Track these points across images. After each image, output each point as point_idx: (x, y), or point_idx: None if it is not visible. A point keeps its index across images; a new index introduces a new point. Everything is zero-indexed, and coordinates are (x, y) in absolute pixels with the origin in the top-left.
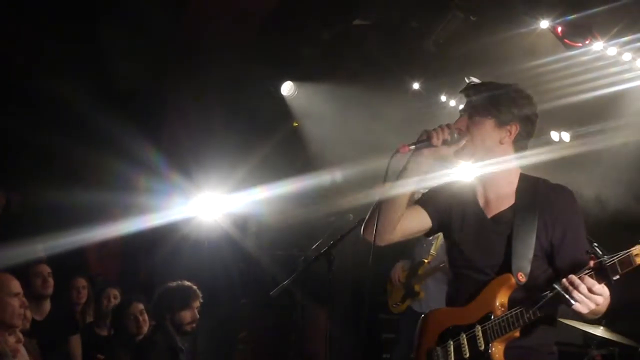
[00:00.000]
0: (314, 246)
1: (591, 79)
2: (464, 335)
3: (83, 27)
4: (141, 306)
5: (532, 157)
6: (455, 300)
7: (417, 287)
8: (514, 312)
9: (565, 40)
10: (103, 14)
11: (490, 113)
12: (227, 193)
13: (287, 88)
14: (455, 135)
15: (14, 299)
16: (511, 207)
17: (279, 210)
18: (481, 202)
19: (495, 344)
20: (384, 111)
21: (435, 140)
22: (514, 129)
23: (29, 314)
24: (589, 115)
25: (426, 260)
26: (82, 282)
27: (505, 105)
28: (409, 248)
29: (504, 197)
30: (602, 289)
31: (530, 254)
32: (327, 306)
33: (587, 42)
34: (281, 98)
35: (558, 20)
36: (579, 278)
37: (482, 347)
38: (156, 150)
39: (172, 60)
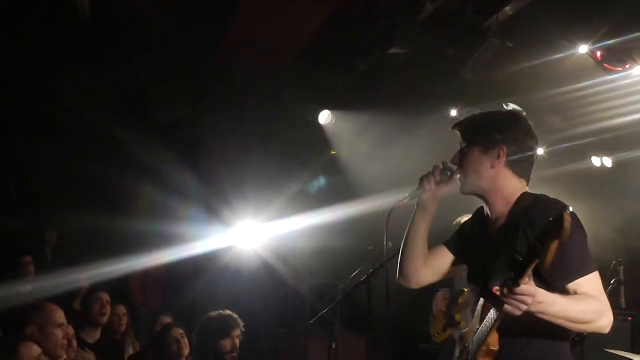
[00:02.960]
0: (352, 275)
1: (632, 103)
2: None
3: (122, 58)
4: (182, 331)
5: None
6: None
7: (457, 317)
8: (484, 324)
9: (605, 65)
10: (142, 45)
11: (474, 142)
12: (265, 222)
13: (325, 117)
14: (448, 173)
15: (59, 329)
16: (502, 226)
17: (317, 239)
18: (487, 225)
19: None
20: (422, 139)
21: (427, 186)
22: (502, 152)
23: (74, 343)
24: (631, 140)
25: (466, 290)
26: (122, 309)
27: (488, 131)
28: (450, 278)
29: (500, 218)
30: (527, 289)
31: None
32: (366, 336)
33: (627, 66)
34: (319, 127)
35: (597, 45)
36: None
37: None
38: (195, 180)
39: (209, 90)
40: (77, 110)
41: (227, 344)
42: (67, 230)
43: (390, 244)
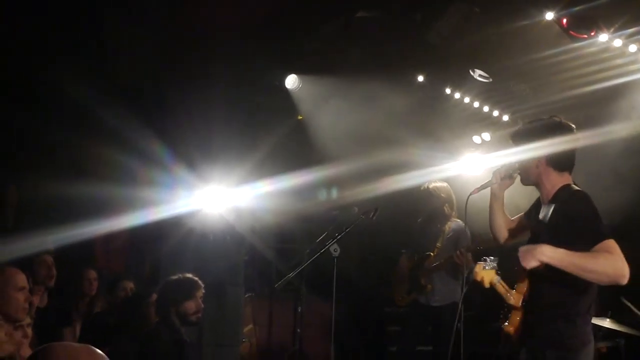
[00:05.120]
0: (318, 239)
1: (597, 71)
2: None
3: (86, 20)
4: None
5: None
6: None
7: (423, 281)
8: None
9: (571, 32)
10: (106, 8)
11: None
12: (232, 186)
13: (291, 81)
14: (511, 172)
15: (20, 293)
16: (545, 212)
17: (283, 203)
18: (539, 208)
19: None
20: (388, 104)
21: (495, 180)
22: (544, 155)
23: (35, 302)
24: (594, 107)
25: (432, 254)
26: (93, 274)
27: (531, 141)
28: (413, 240)
29: (545, 206)
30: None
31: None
32: (331, 299)
33: (592, 34)
34: (285, 91)
35: (563, 12)
36: None
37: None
38: (161, 144)
39: (174, 53)
40: (38, 74)
41: (191, 305)
42: (29, 194)
43: (355, 208)
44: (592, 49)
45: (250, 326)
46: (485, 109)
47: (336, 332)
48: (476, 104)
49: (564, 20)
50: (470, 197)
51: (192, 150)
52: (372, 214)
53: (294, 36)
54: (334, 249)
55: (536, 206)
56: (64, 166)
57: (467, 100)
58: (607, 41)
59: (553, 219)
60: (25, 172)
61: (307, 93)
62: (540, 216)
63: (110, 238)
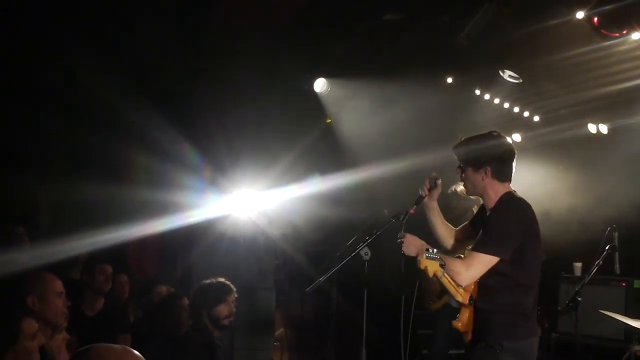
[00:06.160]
0: (349, 243)
1: (628, 69)
2: None
3: (118, 24)
4: (188, 301)
5: None
6: None
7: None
8: None
9: (602, 31)
10: (138, 16)
11: (467, 164)
12: (262, 190)
13: (320, 85)
14: (434, 182)
15: (58, 298)
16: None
17: (313, 207)
18: (485, 215)
19: None
20: (417, 106)
21: (424, 192)
22: (487, 170)
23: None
24: (627, 106)
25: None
26: (124, 278)
27: (477, 156)
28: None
29: (490, 211)
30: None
31: None
32: (362, 303)
33: (624, 32)
34: (314, 95)
35: (594, 10)
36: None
37: None
38: (192, 148)
39: (205, 58)
40: (73, 78)
41: (223, 309)
42: (62, 198)
43: (386, 210)
44: (624, 47)
45: (282, 330)
46: (516, 109)
47: (367, 335)
48: (506, 105)
49: (595, 19)
50: (407, 216)
51: (222, 154)
52: (402, 216)
53: (322, 40)
54: (365, 252)
55: (481, 214)
56: (97, 171)
57: (497, 101)
58: (639, 39)
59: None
60: (59, 177)
61: (336, 96)
62: (484, 222)
63: (142, 242)
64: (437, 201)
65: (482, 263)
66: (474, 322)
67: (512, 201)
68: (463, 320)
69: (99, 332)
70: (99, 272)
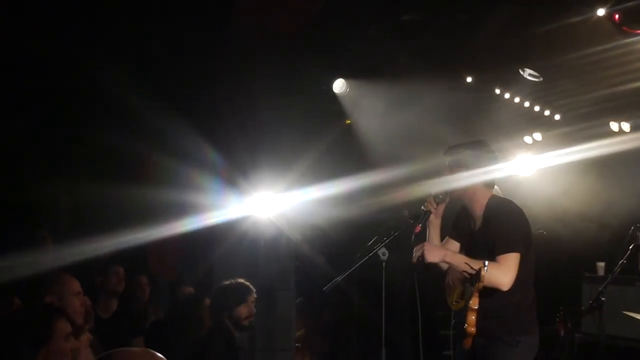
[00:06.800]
0: (368, 243)
1: None
2: None
3: (139, 28)
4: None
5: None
6: None
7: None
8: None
9: (623, 28)
10: (155, 24)
11: (455, 170)
12: (282, 192)
13: (339, 85)
14: (440, 196)
15: (76, 298)
16: (481, 224)
17: (332, 208)
18: (472, 221)
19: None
20: (437, 106)
21: (431, 207)
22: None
23: (92, 312)
24: None
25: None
26: (144, 279)
27: (466, 161)
28: None
29: (479, 217)
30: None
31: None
32: (382, 304)
33: None
34: (333, 96)
35: (615, 7)
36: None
37: None
38: (212, 149)
39: (224, 60)
40: (92, 79)
41: (243, 309)
42: (83, 200)
43: (406, 211)
44: None
45: (303, 330)
46: (536, 108)
47: (387, 336)
48: (526, 104)
49: (616, 16)
50: (414, 236)
51: (242, 156)
52: (421, 217)
53: (341, 40)
54: (382, 252)
55: (462, 220)
56: (117, 172)
57: (517, 100)
58: None
59: (483, 227)
60: (79, 178)
61: (355, 97)
62: (473, 226)
63: (163, 244)
64: (455, 201)
65: (515, 262)
66: (482, 322)
67: (505, 201)
68: (472, 324)
69: (113, 335)
70: (112, 273)
